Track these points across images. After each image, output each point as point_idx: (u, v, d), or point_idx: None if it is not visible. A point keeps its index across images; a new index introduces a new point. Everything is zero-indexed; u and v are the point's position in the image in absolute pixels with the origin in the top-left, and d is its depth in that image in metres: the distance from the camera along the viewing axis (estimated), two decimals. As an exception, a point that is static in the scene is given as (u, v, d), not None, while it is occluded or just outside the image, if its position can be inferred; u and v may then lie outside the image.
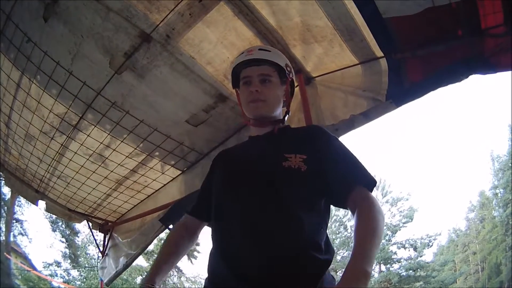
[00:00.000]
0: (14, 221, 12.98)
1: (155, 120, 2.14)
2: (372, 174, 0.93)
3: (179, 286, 17.49)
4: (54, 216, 9.14)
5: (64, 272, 15.11)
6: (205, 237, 1.03)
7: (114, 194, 2.84)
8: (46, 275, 13.51)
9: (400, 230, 20.12)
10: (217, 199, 1.00)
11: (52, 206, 3.01)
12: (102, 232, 3.29)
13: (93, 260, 15.03)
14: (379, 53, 1.61)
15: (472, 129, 46.45)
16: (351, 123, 1.70)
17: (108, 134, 2.21)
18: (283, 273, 0.80)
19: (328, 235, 0.94)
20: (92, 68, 1.81)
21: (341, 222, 20.70)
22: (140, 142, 2.27)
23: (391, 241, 19.91)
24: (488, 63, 1.34)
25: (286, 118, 1.12)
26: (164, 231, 2.72)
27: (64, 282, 14.42)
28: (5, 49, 1.85)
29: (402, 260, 19.76)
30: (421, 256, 19.76)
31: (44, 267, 14.69)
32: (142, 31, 1.61)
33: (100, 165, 2.49)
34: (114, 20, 1.57)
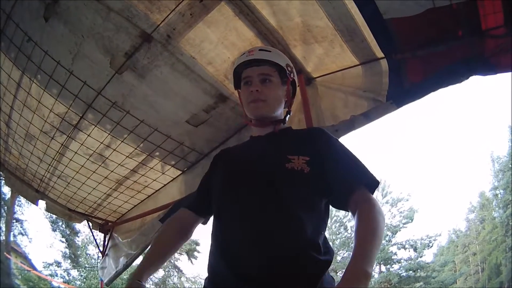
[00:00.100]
0: (14, 220, 12.98)
1: (155, 120, 2.14)
2: (375, 175, 0.92)
3: (179, 286, 17.48)
4: (54, 216, 9.15)
5: (64, 272, 15.12)
6: (205, 236, 1.02)
7: (114, 194, 2.84)
8: (46, 275, 13.51)
9: (400, 230, 20.12)
10: (217, 199, 1.00)
11: (52, 206, 3.01)
12: (102, 232, 3.29)
13: (93, 260, 15.01)
14: (379, 53, 1.61)
15: (472, 130, 46.48)
16: (351, 124, 1.69)
17: (109, 134, 2.21)
18: (283, 273, 0.81)
19: (328, 236, 0.94)
20: (93, 68, 1.81)
21: (341, 223, 20.69)
22: (141, 142, 2.27)
23: (391, 241, 19.90)
24: (489, 64, 1.34)
25: (287, 118, 1.12)
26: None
27: (64, 282, 14.41)
28: (6, 48, 1.85)
29: (402, 260, 19.75)
30: (421, 257, 19.75)
31: (44, 267, 14.72)
32: (142, 31, 1.61)
33: (100, 165, 2.49)
34: (114, 20, 1.57)
